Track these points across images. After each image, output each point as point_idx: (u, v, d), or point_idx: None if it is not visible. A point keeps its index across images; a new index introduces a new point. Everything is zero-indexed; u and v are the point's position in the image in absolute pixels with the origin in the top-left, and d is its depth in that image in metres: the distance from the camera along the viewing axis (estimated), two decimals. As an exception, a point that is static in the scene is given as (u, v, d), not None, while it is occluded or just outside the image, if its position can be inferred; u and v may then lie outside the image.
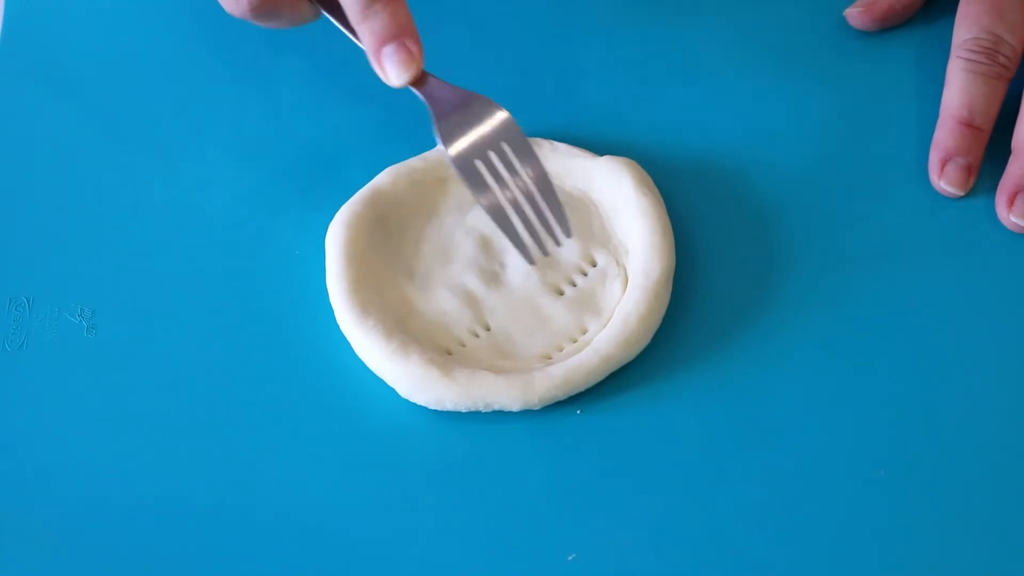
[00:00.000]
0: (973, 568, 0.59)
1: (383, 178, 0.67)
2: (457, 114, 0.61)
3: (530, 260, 0.61)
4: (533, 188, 0.60)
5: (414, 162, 0.68)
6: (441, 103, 0.60)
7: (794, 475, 0.60)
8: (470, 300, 0.64)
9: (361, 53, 0.61)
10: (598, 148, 0.68)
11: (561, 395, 0.62)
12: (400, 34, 0.59)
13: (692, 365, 0.63)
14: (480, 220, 0.66)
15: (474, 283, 0.65)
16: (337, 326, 0.64)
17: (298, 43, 0.73)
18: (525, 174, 0.60)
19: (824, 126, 0.70)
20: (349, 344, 0.63)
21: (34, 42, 0.74)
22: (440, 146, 0.60)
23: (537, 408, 0.62)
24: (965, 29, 0.69)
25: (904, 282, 0.65)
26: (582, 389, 0.62)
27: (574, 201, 0.67)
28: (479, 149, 0.60)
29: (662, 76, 0.72)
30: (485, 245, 0.66)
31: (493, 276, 0.65)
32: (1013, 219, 0.66)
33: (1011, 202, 0.66)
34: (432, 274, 0.65)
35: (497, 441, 0.62)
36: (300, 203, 0.68)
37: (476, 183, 0.60)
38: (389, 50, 0.60)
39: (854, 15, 0.72)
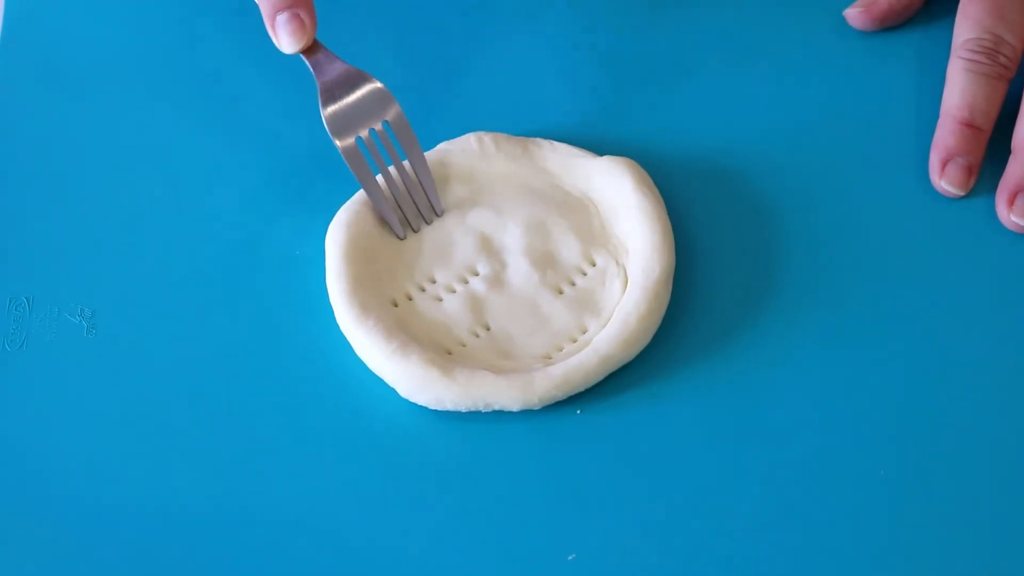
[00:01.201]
0: (973, 568, 0.58)
1: (383, 178, 0.67)
2: (340, 87, 0.65)
3: (399, 234, 0.65)
4: (407, 164, 0.66)
5: (414, 162, 0.68)
6: (326, 72, 0.65)
7: (794, 475, 0.60)
8: (470, 300, 0.64)
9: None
10: (598, 148, 0.68)
11: (561, 395, 0.62)
12: (294, 4, 0.64)
13: (692, 365, 0.63)
14: (480, 220, 0.66)
15: (474, 283, 0.65)
16: (337, 326, 0.64)
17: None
18: (400, 148, 0.66)
19: (824, 126, 0.70)
20: (349, 344, 0.63)
21: (34, 42, 0.74)
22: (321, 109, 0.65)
23: (537, 408, 0.62)
24: (966, 29, 0.69)
25: (904, 282, 0.65)
26: (582, 389, 0.62)
27: (574, 201, 0.67)
28: (356, 116, 0.65)
29: (662, 76, 0.72)
30: (485, 245, 0.66)
31: (493, 276, 0.65)
32: (1013, 219, 0.66)
33: (1011, 202, 0.66)
34: (432, 274, 0.65)
35: (497, 441, 0.62)
36: (300, 203, 0.68)
37: (346, 142, 0.65)
38: (282, 18, 0.64)
39: (854, 15, 0.72)
